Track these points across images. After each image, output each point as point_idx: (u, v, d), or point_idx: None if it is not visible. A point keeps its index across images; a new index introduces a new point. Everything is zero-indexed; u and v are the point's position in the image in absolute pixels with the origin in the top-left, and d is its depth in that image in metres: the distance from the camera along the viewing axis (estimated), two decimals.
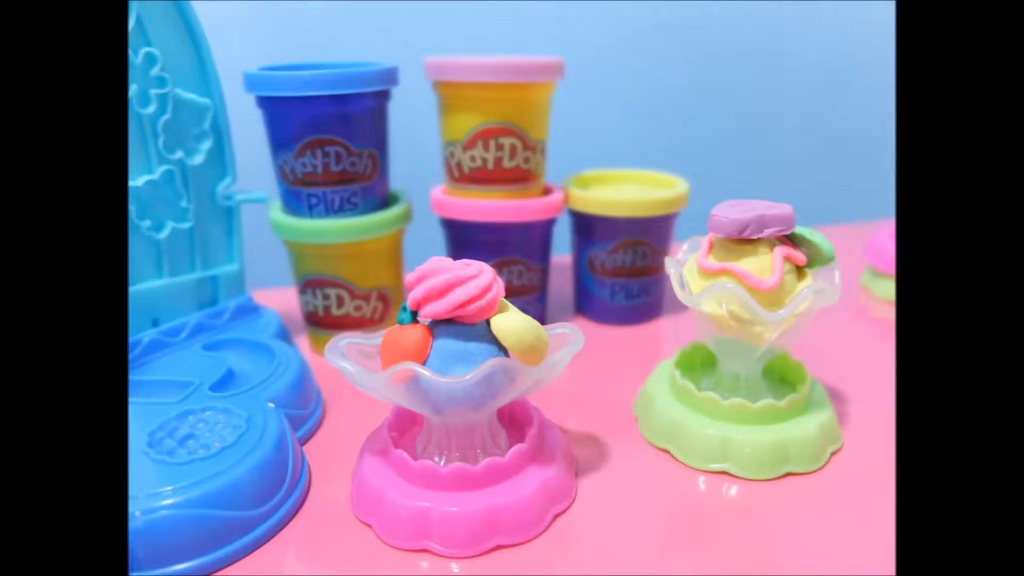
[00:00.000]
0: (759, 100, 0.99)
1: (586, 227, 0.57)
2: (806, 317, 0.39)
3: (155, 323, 0.47)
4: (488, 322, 0.34)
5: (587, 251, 0.58)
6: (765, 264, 0.38)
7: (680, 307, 0.62)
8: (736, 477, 0.39)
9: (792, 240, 0.40)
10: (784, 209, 0.38)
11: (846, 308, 0.62)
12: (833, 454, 0.41)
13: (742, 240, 0.38)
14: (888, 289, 0.62)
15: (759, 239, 0.38)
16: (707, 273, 0.39)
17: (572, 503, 0.37)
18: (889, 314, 0.60)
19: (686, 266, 0.41)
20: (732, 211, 0.38)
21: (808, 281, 0.39)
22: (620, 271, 0.57)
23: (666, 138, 0.97)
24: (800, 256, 0.39)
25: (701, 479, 0.39)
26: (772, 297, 0.38)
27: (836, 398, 0.46)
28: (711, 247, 0.40)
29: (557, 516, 0.36)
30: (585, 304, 0.60)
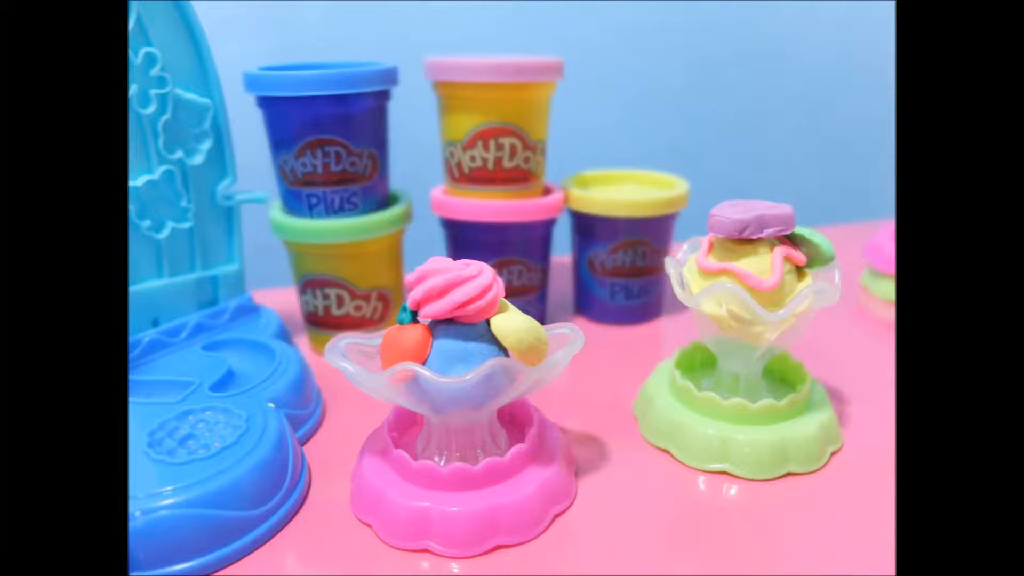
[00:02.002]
0: (759, 100, 0.99)
1: (586, 227, 0.57)
2: (806, 317, 0.39)
3: (155, 323, 0.47)
4: (488, 322, 0.34)
5: (587, 251, 0.58)
6: (765, 264, 0.38)
7: (680, 307, 0.62)
8: (736, 477, 0.39)
9: (792, 240, 0.40)
10: (784, 209, 0.38)
11: (846, 308, 0.62)
12: (833, 454, 0.41)
13: (742, 240, 0.38)
14: (888, 289, 0.62)
15: (759, 239, 0.38)
16: (707, 273, 0.39)
17: (572, 503, 0.37)
18: (889, 314, 0.60)
19: (686, 266, 0.41)
20: (732, 211, 0.38)
21: (808, 281, 0.39)
22: (620, 271, 0.57)
23: (666, 138, 0.97)
24: (800, 256, 0.39)
25: (701, 479, 0.39)
26: (772, 297, 0.38)
27: (836, 398, 0.46)
28: (711, 247, 0.40)
29: (557, 516, 0.36)
30: (585, 304, 0.60)
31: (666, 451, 0.41)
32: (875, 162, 1.05)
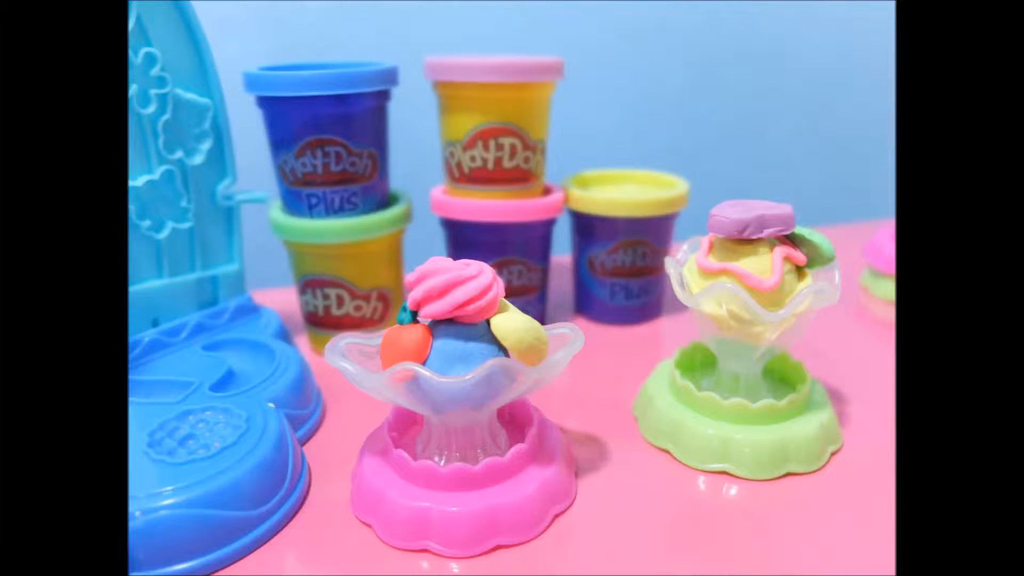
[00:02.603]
0: (759, 100, 0.99)
1: (586, 227, 0.57)
2: (806, 317, 0.39)
3: (155, 323, 0.47)
4: (488, 322, 0.34)
5: (587, 251, 0.58)
6: (765, 264, 0.38)
7: (680, 307, 0.62)
8: (736, 477, 0.38)
9: (792, 240, 0.40)
10: (784, 209, 0.38)
11: (846, 308, 0.62)
12: (833, 454, 0.41)
13: (742, 240, 0.38)
14: (888, 289, 0.62)
15: (759, 239, 0.38)
16: (707, 273, 0.39)
17: (572, 503, 0.37)
18: (889, 314, 0.60)
19: (686, 266, 0.41)
20: (732, 211, 0.38)
21: (808, 281, 0.39)
22: (620, 271, 0.57)
23: (666, 138, 0.97)
24: (800, 256, 0.39)
25: (701, 479, 0.39)
26: (772, 297, 0.38)
27: (836, 398, 0.46)
28: (711, 247, 0.40)
29: (557, 516, 0.36)
30: (585, 304, 0.60)
31: (666, 451, 0.41)
32: (875, 162, 1.05)
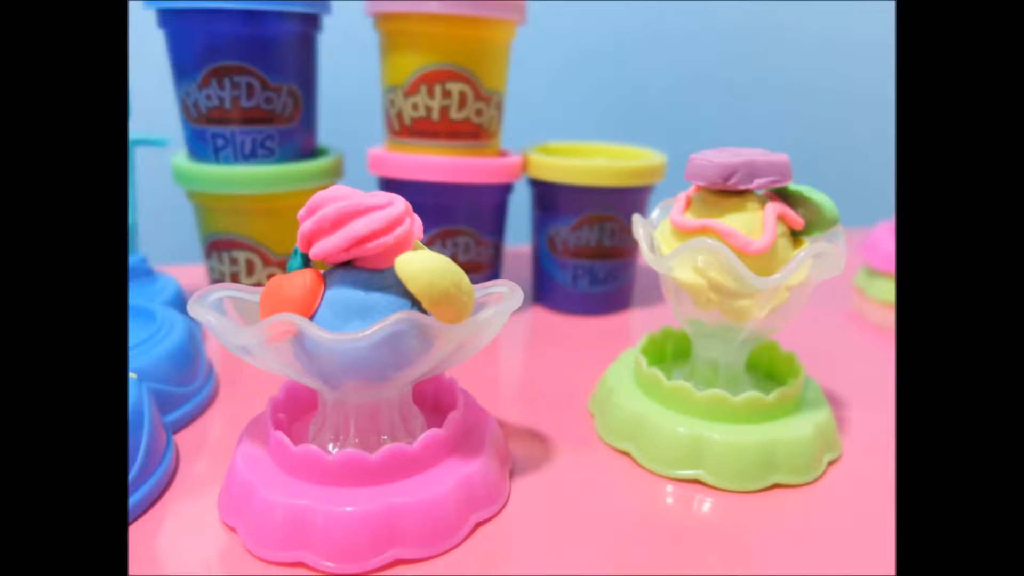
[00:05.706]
0: (758, 100, 0.93)
1: (546, 198, 0.50)
2: (802, 292, 0.32)
3: None
4: None
5: (547, 227, 0.50)
6: (754, 223, 0.31)
7: (653, 297, 0.54)
8: (710, 487, 0.31)
9: (788, 198, 0.33)
10: (780, 158, 0.31)
11: (840, 312, 0.55)
12: (831, 464, 0.33)
13: (727, 192, 0.31)
14: (884, 290, 0.55)
15: (747, 193, 0.31)
16: (684, 232, 0.32)
17: (501, 510, 0.29)
18: (885, 318, 0.53)
19: (658, 228, 0.34)
20: (716, 155, 0.31)
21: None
22: (584, 251, 0.49)
23: (661, 140, 0.90)
24: (796, 218, 0.32)
25: (667, 488, 0.31)
26: (761, 263, 0.30)
27: (832, 406, 0.39)
28: (689, 203, 0.33)
29: (480, 525, 0.28)
30: (544, 291, 0.52)
31: (625, 453, 0.33)
32: (875, 165, 0.99)
